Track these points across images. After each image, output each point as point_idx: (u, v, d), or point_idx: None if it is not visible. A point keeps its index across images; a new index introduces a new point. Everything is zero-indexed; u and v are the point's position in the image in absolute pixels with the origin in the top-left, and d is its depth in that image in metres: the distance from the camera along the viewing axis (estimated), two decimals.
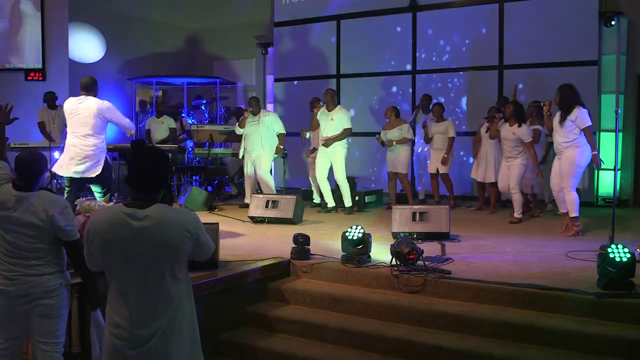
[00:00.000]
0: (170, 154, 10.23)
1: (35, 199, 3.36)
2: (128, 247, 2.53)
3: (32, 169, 3.45)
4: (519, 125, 7.29)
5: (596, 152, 6.35)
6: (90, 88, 6.22)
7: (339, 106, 8.35)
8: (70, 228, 3.40)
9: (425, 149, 9.15)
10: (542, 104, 6.86)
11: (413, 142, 9.11)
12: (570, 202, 6.36)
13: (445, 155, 8.56)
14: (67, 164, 6.15)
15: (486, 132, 8.08)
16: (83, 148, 6.11)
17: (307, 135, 9.34)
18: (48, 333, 3.47)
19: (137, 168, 2.61)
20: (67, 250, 3.45)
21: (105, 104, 6.22)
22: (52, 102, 9.94)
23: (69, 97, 10.49)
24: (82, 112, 6.13)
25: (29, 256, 3.38)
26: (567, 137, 6.32)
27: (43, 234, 3.36)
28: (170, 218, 2.54)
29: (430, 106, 9.04)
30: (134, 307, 2.55)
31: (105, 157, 6.29)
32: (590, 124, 6.31)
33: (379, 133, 8.81)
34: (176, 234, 2.52)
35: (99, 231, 2.58)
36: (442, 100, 9.84)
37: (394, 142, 8.49)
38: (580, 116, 6.27)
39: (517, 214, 7.33)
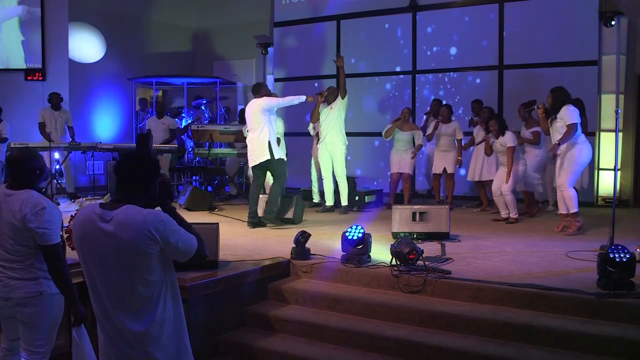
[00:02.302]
0: (168, 155, 10.27)
1: (15, 198, 3.25)
2: (95, 248, 2.49)
3: (21, 167, 3.32)
4: (503, 134, 7.36)
5: (559, 144, 6.29)
6: (257, 91, 7.31)
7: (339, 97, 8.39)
8: (44, 231, 3.19)
9: (425, 149, 9.18)
10: (536, 107, 6.86)
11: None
12: (568, 199, 6.37)
13: (460, 157, 8.62)
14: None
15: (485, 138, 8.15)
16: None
17: (311, 127, 9.29)
18: (28, 341, 3.37)
19: (117, 170, 2.59)
20: (43, 256, 3.25)
21: (265, 99, 7.18)
22: (57, 103, 9.95)
23: (69, 96, 10.56)
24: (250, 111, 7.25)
25: (11, 258, 3.28)
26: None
27: (20, 234, 3.23)
28: (132, 220, 2.45)
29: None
30: (109, 310, 2.51)
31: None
32: (574, 121, 6.27)
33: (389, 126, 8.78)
34: (138, 236, 2.43)
35: (74, 230, 2.59)
36: (446, 91, 10.01)
37: (415, 154, 8.62)
38: (566, 112, 6.30)
39: (513, 215, 7.35)
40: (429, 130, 8.78)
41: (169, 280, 2.58)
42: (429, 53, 10.39)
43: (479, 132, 8.29)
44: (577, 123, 6.29)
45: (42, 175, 3.39)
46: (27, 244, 3.26)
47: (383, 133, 8.76)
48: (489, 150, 7.73)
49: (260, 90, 7.31)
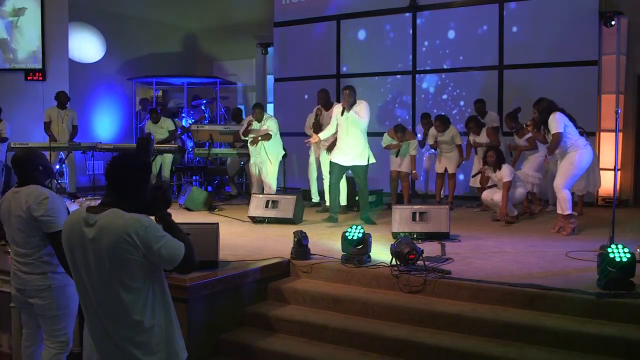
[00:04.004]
0: (168, 155, 10.26)
1: (22, 193, 3.48)
2: (80, 253, 2.46)
3: (24, 165, 3.56)
4: (500, 168, 7.34)
5: (548, 159, 6.56)
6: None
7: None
8: (48, 219, 3.40)
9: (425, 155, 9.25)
10: (525, 125, 6.94)
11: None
12: (562, 201, 6.38)
13: (461, 159, 8.73)
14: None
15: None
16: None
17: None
18: (49, 331, 3.59)
19: (106, 172, 2.56)
20: (51, 244, 3.45)
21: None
22: (64, 102, 9.99)
23: (69, 97, 10.51)
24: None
25: (22, 252, 3.51)
26: (563, 145, 6.32)
27: (28, 226, 3.45)
28: (113, 225, 2.40)
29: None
30: (97, 315, 2.48)
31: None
32: (558, 130, 6.23)
33: (386, 136, 8.81)
34: (117, 241, 2.38)
35: (64, 232, 2.55)
36: (445, 91, 10.09)
37: (414, 172, 8.74)
38: (550, 121, 6.30)
39: (511, 213, 7.36)
40: (430, 141, 8.88)
41: (157, 287, 2.53)
42: (428, 53, 10.39)
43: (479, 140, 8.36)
44: (561, 133, 6.24)
45: (45, 172, 3.62)
46: (35, 234, 3.46)
47: (384, 146, 8.80)
48: (484, 182, 7.78)
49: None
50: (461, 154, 8.74)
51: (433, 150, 9.04)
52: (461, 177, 9.54)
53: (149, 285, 2.48)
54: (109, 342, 2.49)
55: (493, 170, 7.44)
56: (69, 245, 2.51)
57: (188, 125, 11.69)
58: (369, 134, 9.09)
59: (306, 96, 11.08)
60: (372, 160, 7.42)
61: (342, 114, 7.24)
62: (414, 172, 8.70)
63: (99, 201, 2.57)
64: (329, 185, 7.59)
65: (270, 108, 12.15)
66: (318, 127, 8.49)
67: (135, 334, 2.46)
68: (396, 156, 8.77)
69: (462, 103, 10.12)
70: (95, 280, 2.45)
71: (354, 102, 7.24)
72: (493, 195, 7.45)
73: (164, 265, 2.51)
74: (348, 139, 7.28)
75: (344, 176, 8.43)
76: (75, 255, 2.49)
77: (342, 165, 7.37)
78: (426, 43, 10.40)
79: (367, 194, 7.55)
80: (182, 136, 11.60)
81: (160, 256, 2.44)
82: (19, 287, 3.56)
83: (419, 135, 9.39)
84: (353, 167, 7.38)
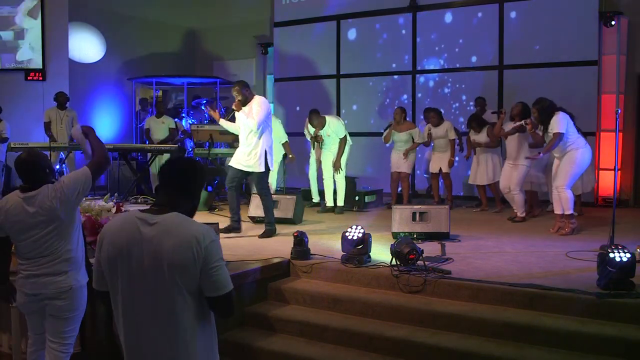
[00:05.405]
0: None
1: (39, 196, 3.38)
2: (133, 255, 2.28)
3: (33, 168, 3.44)
4: (520, 119, 7.27)
5: (541, 155, 6.63)
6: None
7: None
8: (75, 179, 3.44)
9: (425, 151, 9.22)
10: (524, 123, 6.93)
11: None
12: (564, 200, 6.38)
13: (452, 158, 8.63)
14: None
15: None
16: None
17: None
18: (56, 333, 3.50)
19: (167, 172, 2.42)
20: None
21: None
22: (63, 102, 10.01)
23: (69, 96, 10.55)
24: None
25: (44, 255, 3.41)
26: (562, 144, 6.34)
27: (51, 226, 3.36)
28: (179, 228, 2.25)
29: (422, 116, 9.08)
30: (138, 330, 2.32)
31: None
32: (560, 130, 6.28)
33: (387, 128, 8.77)
34: (181, 244, 2.22)
35: (109, 235, 2.35)
36: (445, 91, 10.09)
37: (407, 153, 8.60)
38: (553, 120, 6.33)
39: (520, 214, 7.35)
40: (425, 136, 8.81)
41: (203, 310, 2.36)
42: (428, 53, 10.39)
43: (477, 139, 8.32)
44: (562, 133, 6.29)
45: (51, 174, 3.56)
46: (58, 233, 3.39)
47: (382, 139, 8.78)
48: (498, 129, 7.65)
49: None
50: (453, 152, 8.65)
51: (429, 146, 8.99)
52: (468, 172, 9.49)
53: (199, 298, 2.32)
54: (149, 352, 2.33)
55: (514, 121, 7.32)
56: (114, 246, 2.32)
57: (188, 125, 11.69)
58: (368, 135, 9.13)
59: (306, 96, 11.08)
60: (270, 167, 6.43)
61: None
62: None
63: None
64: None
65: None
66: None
67: (182, 345, 2.30)
68: (386, 143, 8.78)
69: (463, 98, 10.11)
70: (145, 283, 2.28)
71: (247, 100, 6.31)
72: (510, 182, 7.35)
73: (207, 288, 2.29)
74: (240, 141, 6.48)
75: (343, 176, 8.43)
76: (121, 256, 2.31)
77: (234, 168, 6.46)
78: (426, 43, 10.39)
79: (268, 203, 6.52)
80: (181, 135, 11.57)
81: (211, 276, 2.27)
82: (34, 293, 3.42)
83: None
84: (248, 173, 6.57)
